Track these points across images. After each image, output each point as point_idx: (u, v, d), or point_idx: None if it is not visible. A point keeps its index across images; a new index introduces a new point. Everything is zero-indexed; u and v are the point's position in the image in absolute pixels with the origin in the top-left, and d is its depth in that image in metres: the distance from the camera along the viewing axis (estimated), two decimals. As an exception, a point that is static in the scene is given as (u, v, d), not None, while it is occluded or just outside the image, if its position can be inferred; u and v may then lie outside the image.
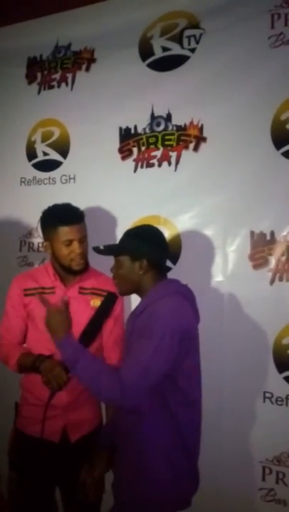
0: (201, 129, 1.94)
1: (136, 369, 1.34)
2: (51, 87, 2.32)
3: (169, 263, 1.94)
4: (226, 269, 1.91)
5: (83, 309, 1.70)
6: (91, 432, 1.72)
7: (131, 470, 1.46)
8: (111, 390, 1.34)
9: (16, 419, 1.81)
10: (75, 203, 1.77)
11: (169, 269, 1.67)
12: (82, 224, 1.70)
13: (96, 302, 1.70)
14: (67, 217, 1.68)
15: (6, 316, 1.79)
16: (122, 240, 1.57)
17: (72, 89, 2.27)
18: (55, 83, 2.31)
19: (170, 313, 1.41)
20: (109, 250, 1.58)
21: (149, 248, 1.50)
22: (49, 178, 2.32)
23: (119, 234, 1.78)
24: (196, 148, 1.95)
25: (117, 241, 1.65)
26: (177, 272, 1.87)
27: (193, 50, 1.97)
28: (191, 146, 1.96)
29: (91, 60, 2.23)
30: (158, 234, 1.57)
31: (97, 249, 1.57)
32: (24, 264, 2.35)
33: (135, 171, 2.08)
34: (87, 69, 2.24)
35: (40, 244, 2.25)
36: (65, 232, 1.66)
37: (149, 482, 1.42)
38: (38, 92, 2.36)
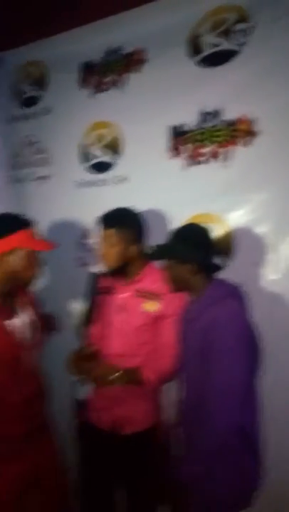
0: (251, 124, 1.89)
1: (228, 393, 1.38)
2: (103, 90, 2.36)
3: (220, 261, 1.93)
4: (279, 267, 1.86)
5: (135, 312, 1.75)
6: (144, 429, 1.76)
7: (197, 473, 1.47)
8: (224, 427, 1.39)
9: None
10: (127, 204, 1.82)
11: (219, 268, 1.66)
12: (111, 230, 1.73)
13: (148, 306, 1.74)
14: (100, 220, 1.76)
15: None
16: (170, 243, 1.59)
17: (123, 90, 2.30)
18: (106, 86, 2.35)
19: (234, 321, 1.42)
20: (158, 256, 1.63)
21: (197, 252, 1.52)
22: (102, 180, 2.36)
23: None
24: (247, 144, 1.91)
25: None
26: (229, 271, 1.86)
27: (242, 45, 1.92)
28: (242, 141, 1.92)
29: (142, 61, 2.24)
30: (205, 235, 1.58)
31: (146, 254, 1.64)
32: (81, 265, 2.42)
33: (185, 168, 2.07)
34: (139, 70, 2.25)
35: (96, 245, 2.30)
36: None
37: (216, 483, 1.43)
38: (91, 96, 2.41)
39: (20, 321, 1.68)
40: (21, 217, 1.65)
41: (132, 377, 1.68)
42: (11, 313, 1.67)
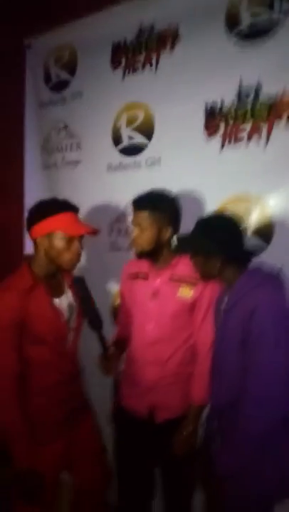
0: (295, 97, 1.80)
1: (271, 381, 1.33)
2: (135, 70, 2.29)
3: (261, 243, 1.85)
4: None
5: (170, 297, 1.70)
6: (179, 416, 1.71)
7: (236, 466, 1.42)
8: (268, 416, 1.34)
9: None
10: (160, 186, 1.76)
11: (252, 255, 1.59)
12: (143, 212, 1.67)
13: (184, 291, 1.68)
14: (133, 202, 1.72)
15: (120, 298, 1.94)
16: (195, 236, 1.53)
17: (156, 70, 2.22)
18: (139, 65, 2.28)
19: (275, 306, 1.37)
20: (183, 250, 1.60)
21: (222, 247, 1.46)
22: (134, 162, 2.30)
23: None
24: (290, 119, 1.81)
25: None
26: (270, 253, 1.79)
27: (286, 13, 1.81)
28: (285, 116, 1.81)
29: (175, 38, 2.15)
30: (232, 226, 1.51)
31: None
32: (114, 249, 2.37)
33: (222, 147, 1.98)
34: (172, 47, 2.17)
35: (128, 229, 2.26)
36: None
37: (264, 475, 1.39)
38: (123, 77, 2.34)
39: (65, 302, 1.70)
40: (63, 202, 1.63)
41: None
42: (57, 293, 1.69)
